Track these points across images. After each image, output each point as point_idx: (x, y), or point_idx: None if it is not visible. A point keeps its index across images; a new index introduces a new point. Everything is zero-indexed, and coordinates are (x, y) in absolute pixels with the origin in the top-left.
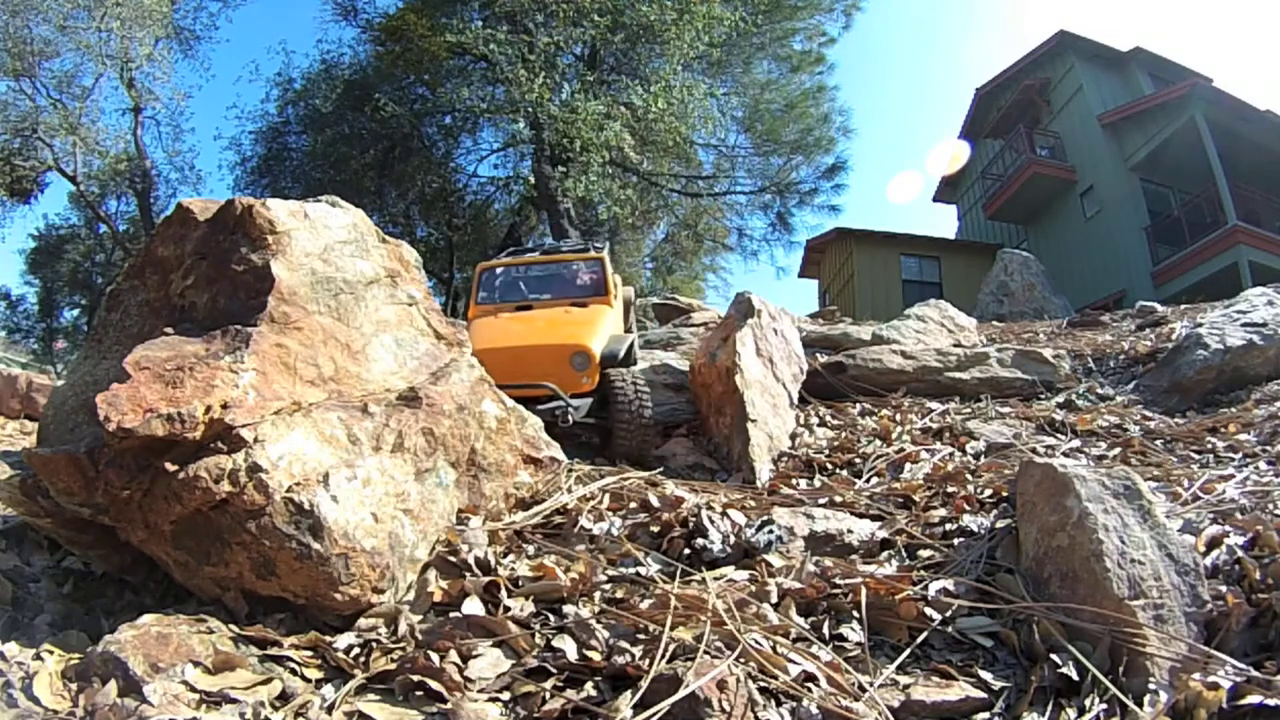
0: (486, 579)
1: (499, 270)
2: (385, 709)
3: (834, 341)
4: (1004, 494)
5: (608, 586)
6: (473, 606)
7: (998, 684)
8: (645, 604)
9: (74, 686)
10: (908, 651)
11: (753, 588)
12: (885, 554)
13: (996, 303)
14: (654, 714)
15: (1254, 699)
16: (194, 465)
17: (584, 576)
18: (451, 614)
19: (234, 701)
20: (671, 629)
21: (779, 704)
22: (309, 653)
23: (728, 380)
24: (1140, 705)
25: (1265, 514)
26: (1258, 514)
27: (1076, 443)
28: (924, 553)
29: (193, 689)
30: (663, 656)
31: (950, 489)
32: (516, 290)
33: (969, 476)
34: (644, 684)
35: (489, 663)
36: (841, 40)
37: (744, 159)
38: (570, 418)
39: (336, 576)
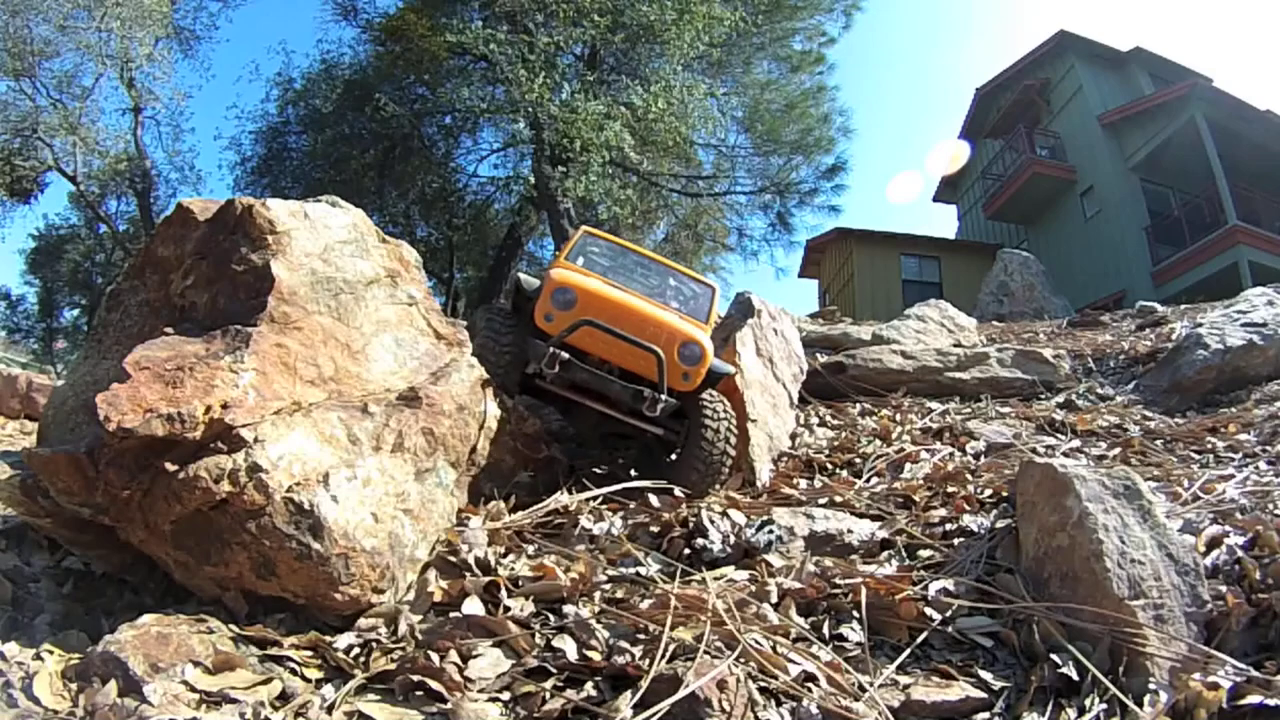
0: (486, 579)
1: (604, 243)
2: (385, 709)
3: (834, 341)
4: (1004, 494)
5: (608, 586)
6: (473, 606)
7: (998, 684)
8: (645, 604)
9: (74, 686)
10: (908, 651)
11: (753, 588)
12: (885, 554)
13: (996, 303)
14: (654, 714)
15: (1254, 699)
16: (194, 465)
17: (584, 576)
18: (451, 614)
19: (234, 701)
20: (671, 629)
21: (779, 704)
22: (309, 653)
23: (727, 380)
24: (1140, 705)
25: (1265, 514)
26: (1258, 514)
27: (1076, 443)
28: (924, 553)
29: (193, 689)
30: (663, 656)
31: (950, 489)
32: (616, 270)
33: (969, 476)
34: (644, 684)
35: (489, 663)
36: (841, 40)
37: (744, 159)
38: (658, 407)
39: (336, 576)
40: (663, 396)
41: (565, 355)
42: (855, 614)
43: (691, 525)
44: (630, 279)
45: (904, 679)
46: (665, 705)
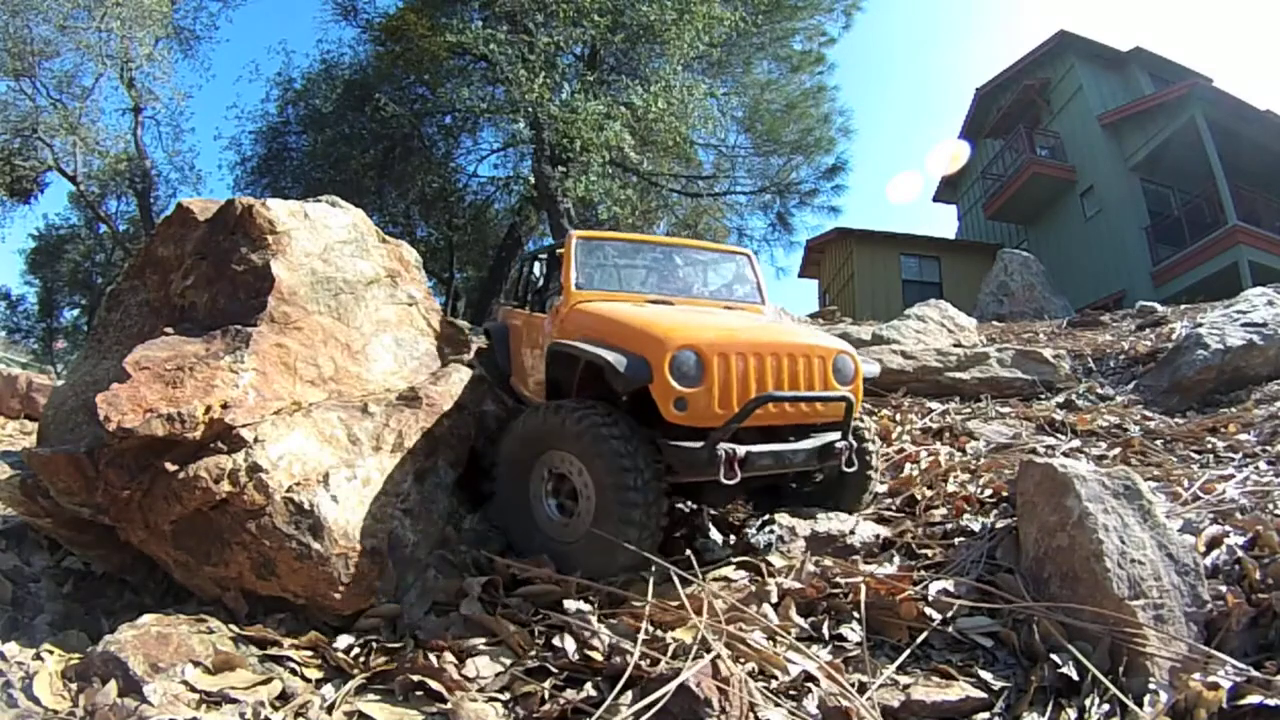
0: (485, 578)
1: (608, 247)
2: (385, 709)
3: None
4: (1004, 494)
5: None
6: (472, 606)
7: (998, 684)
8: (645, 604)
9: (74, 686)
10: (908, 652)
11: (752, 588)
12: (886, 554)
13: (996, 303)
14: (652, 710)
15: (1254, 699)
16: (194, 465)
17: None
18: (451, 614)
19: (234, 701)
20: (672, 629)
21: (779, 704)
22: (309, 653)
23: None
24: (1140, 705)
25: (1265, 514)
26: (1258, 514)
27: (1076, 443)
28: (925, 552)
29: (193, 689)
30: (663, 656)
31: (950, 489)
32: (636, 278)
33: (969, 476)
34: (644, 683)
35: (488, 662)
36: (841, 40)
37: (744, 159)
38: (852, 458)
39: (336, 576)
40: (852, 442)
41: (742, 452)
42: (855, 614)
43: (693, 525)
44: (657, 283)
45: (904, 679)
46: (662, 700)
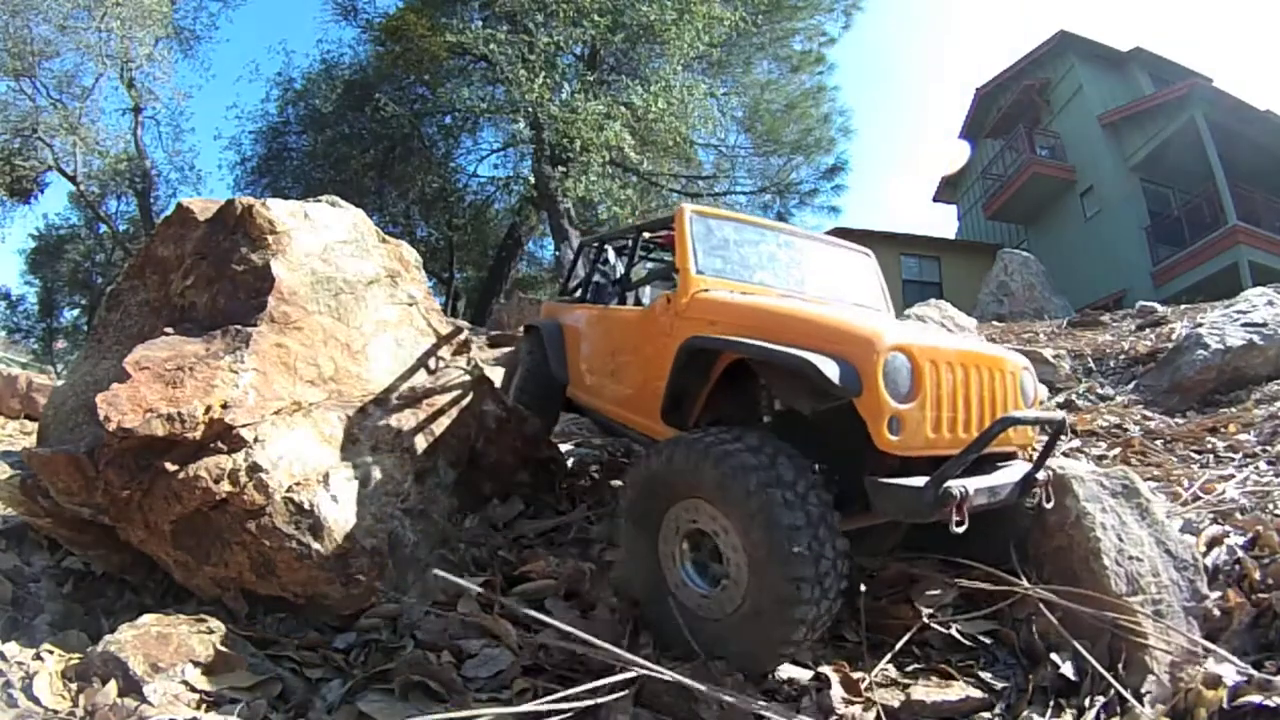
0: (484, 578)
1: (726, 228)
2: (385, 709)
3: None
4: None
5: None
6: (469, 605)
7: (998, 684)
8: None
9: (74, 686)
10: (905, 651)
11: None
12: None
13: (996, 303)
14: (649, 709)
15: (1253, 699)
16: (194, 465)
17: (579, 574)
18: (450, 614)
19: (234, 701)
20: None
21: (779, 704)
22: (309, 653)
23: None
24: (1140, 701)
25: (1265, 514)
26: (1258, 514)
27: (1076, 443)
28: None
29: (193, 689)
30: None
31: None
32: (761, 267)
33: None
34: (641, 682)
35: (487, 661)
36: (841, 40)
37: (744, 159)
38: (1050, 493)
39: (336, 576)
40: (1050, 473)
41: (970, 489)
42: (855, 614)
43: None
44: (787, 275)
45: (904, 679)
46: (662, 699)
